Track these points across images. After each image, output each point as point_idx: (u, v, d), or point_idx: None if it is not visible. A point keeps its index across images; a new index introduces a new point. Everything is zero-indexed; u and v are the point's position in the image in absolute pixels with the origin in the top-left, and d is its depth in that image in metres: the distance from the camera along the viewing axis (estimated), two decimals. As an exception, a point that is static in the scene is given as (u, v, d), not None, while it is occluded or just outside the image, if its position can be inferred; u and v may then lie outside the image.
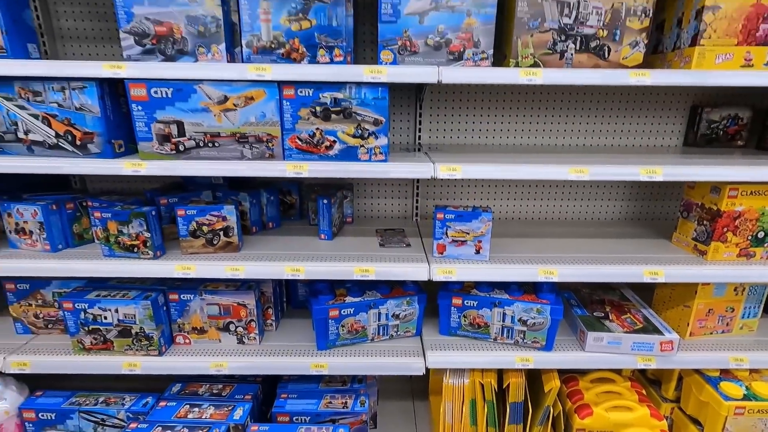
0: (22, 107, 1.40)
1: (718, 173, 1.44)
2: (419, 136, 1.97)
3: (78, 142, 1.41)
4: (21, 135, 1.43)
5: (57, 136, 1.41)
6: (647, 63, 1.64)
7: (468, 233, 1.56)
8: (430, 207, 2.09)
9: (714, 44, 1.41)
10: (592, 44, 1.50)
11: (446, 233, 1.58)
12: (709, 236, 1.59)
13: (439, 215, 1.55)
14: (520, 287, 1.66)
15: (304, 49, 1.43)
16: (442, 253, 1.60)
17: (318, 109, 1.39)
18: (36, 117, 1.40)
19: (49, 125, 1.40)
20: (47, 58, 1.83)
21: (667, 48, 1.60)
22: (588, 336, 1.62)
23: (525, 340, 1.64)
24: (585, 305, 1.82)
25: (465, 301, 1.66)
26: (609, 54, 1.51)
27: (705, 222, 1.60)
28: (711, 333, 1.75)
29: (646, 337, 1.60)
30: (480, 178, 1.46)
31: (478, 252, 1.57)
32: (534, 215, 2.11)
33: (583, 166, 1.43)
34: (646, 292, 1.91)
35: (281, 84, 1.36)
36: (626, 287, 1.97)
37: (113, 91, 1.42)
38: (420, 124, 1.95)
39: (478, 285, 1.70)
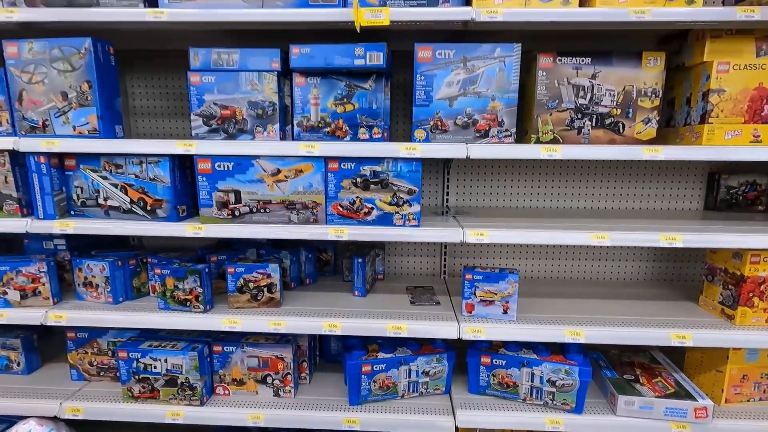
0: (105, 178, 1.62)
1: (737, 240, 1.50)
2: (447, 199, 2.12)
3: (149, 208, 1.61)
4: (101, 201, 1.64)
5: (131, 202, 1.62)
6: (661, 136, 1.77)
7: (495, 294, 1.65)
8: (457, 265, 2.19)
9: (722, 122, 1.54)
10: (607, 121, 1.64)
11: (474, 293, 1.66)
12: (735, 301, 1.62)
13: (468, 276, 1.65)
14: (548, 347, 1.71)
15: (347, 128, 1.63)
16: (470, 312, 1.68)
17: (358, 180, 1.56)
18: (115, 186, 1.62)
19: (126, 193, 1.62)
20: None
21: (679, 123, 1.73)
22: (619, 399, 1.63)
23: (554, 402, 1.66)
24: (614, 367, 1.83)
25: (494, 360, 1.71)
26: (623, 129, 1.65)
27: (730, 286, 1.64)
28: (748, 400, 1.72)
29: (679, 403, 1.59)
30: (506, 242, 1.56)
31: (505, 312, 1.65)
32: (559, 274, 2.18)
33: (604, 232, 1.53)
34: (676, 355, 1.91)
35: (327, 159, 1.54)
36: (656, 349, 1.97)
37: (182, 163, 1.64)
38: (448, 188, 2.10)
39: (507, 344, 1.75)
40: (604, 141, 1.65)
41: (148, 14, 1.44)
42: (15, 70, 1.55)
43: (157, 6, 1.50)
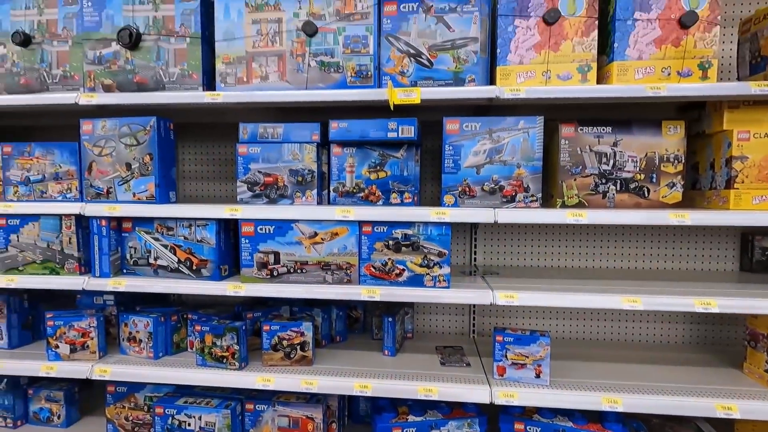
0: (156, 239, 1.76)
1: (777, 306, 1.47)
2: (475, 258, 2.16)
3: (194, 267, 1.73)
4: (151, 260, 1.77)
5: (179, 262, 1.74)
6: (687, 198, 1.80)
7: (527, 357, 1.64)
8: (487, 324, 2.18)
9: (748, 187, 1.56)
10: (632, 185, 1.69)
11: (506, 356, 1.66)
12: (782, 370, 1.55)
13: (498, 338, 1.66)
14: (584, 415, 1.65)
15: (380, 193, 1.73)
16: (502, 375, 1.66)
17: (391, 242, 1.63)
18: (166, 247, 1.75)
19: (174, 253, 1.74)
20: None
21: (705, 186, 1.76)
22: (664, 475, 1.54)
23: (594, 476, 1.58)
24: (657, 438, 1.74)
25: (527, 427, 1.66)
26: (649, 193, 1.69)
27: (775, 354, 1.58)
28: (809, 481, 1.59)
29: (731, 482, 1.49)
30: (536, 305, 1.59)
31: (538, 376, 1.63)
32: (591, 335, 2.13)
33: (635, 296, 1.53)
34: (723, 425, 1.80)
35: (361, 223, 1.64)
36: (701, 419, 1.86)
37: (227, 226, 1.77)
38: (475, 247, 2.15)
39: (540, 410, 1.71)
40: (630, 205, 1.70)
41: (206, 97, 1.63)
42: (88, 144, 1.75)
43: (214, 88, 1.70)
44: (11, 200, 1.81)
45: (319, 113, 1.95)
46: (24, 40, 1.75)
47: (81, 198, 1.80)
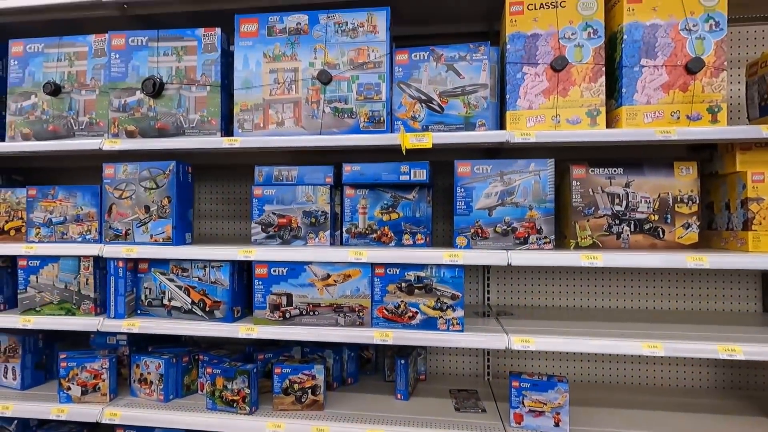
0: (171, 280, 1.78)
1: (806, 353, 1.42)
2: (488, 297, 2.13)
3: (207, 309, 1.73)
4: (165, 301, 1.78)
5: (192, 303, 1.75)
6: (704, 239, 1.77)
7: (545, 404, 1.58)
8: (501, 366, 2.13)
9: (766, 229, 1.54)
10: (646, 226, 1.68)
11: (522, 402, 1.61)
12: (816, 421, 1.47)
13: (515, 383, 1.61)
14: (608, 467, 1.58)
15: (392, 234, 1.75)
16: (519, 423, 1.61)
17: (403, 285, 1.63)
18: (180, 288, 1.77)
19: (189, 294, 1.76)
20: (186, 233, 2.33)
21: (721, 226, 1.74)
22: None
23: None
24: (686, 493, 1.64)
25: (548, 480, 1.59)
26: (664, 234, 1.67)
27: (807, 403, 1.51)
28: None
29: None
30: (553, 350, 1.55)
31: (557, 425, 1.57)
32: (611, 379, 2.06)
33: (656, 341, 1.49)
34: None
35: (374, 265, 1.64)
36: (733, 472, 1.76)
37: (240, 267, 1.78)
38: (488, 286, 2.13)
39: (561, 461, 1.63)
40: (645, 246, 1.68)
41: (224, 142, 1.69)
42: (109, 188, 1.81)
43: (231, 133, 1.76)
44: (33, 242, 1.86)
45: (332, 155, 2.00)
46: (54, 90, 1.84)
47: (100, 239, 1.84)
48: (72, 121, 1.87)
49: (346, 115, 1.68)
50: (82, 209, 1.86)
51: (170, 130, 1.79)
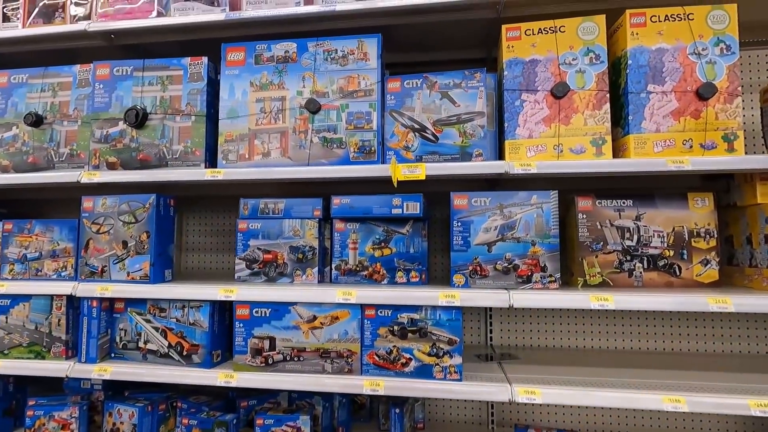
0: (148, 321, 1.66)
1: None
2: (491, 336, 1.98)
3: (185, 353, 1.60)
4: (141, 344, 1.66)
5: (169, 346, 1.62)
6: (724, 275, 1.63)
7: (555, 464, 1.41)
8: (506, 414, 1.95)
9: (795, 267, 1.40)
10: (660, 263, 1.54)
11: (530, 461, 1.44)
12: None
13: (521, 440, 1.45)
14: None
15: (385, 272, 1.62)
16: (527, 486, 1.43)
17: (396, 328, 1.49)
18: (157, 329, 1.64)
19: (165, 337, 1.63)
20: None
21: (743, 262, 1.60)
22: None
23: None
24: None
25: None
26: (680, 272, 1.53)
27: None
28: None
29: None
30: (563, 403, 1.39)
31: (569, 489, 1.39)
32: (629, 429, 1.87)
33: (678, 393, 1.33)
34: None
35: (364, 306, 1.51)
36: None
37: (222, 307, 1.66)
38: (491, 325, 1.98)
39: None
40: (660, 284, 1.54)
41: (207, 174, 1.60)
42: (87, 222, 1.72)
43: (216, 165, 1.68)
44: (5, 279, 1.76)
45: (322, 186, 1.91)
46: (35, 121, 1.78)
47: (75, 276, 1.73)
48: (52, 152, 1.80)
49: (335, 145, 1.59)
50: (58, 244, 1.76)
51: (152, 161, 1.71)
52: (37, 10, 1.93)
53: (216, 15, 1.67)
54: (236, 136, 1.65)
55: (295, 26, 1.71)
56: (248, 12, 1.64)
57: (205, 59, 1.71)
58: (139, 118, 1.68)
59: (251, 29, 1.74)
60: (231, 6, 1.75)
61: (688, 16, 1.43)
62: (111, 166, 1.73)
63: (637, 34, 1.45)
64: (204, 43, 1.81)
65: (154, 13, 1.74)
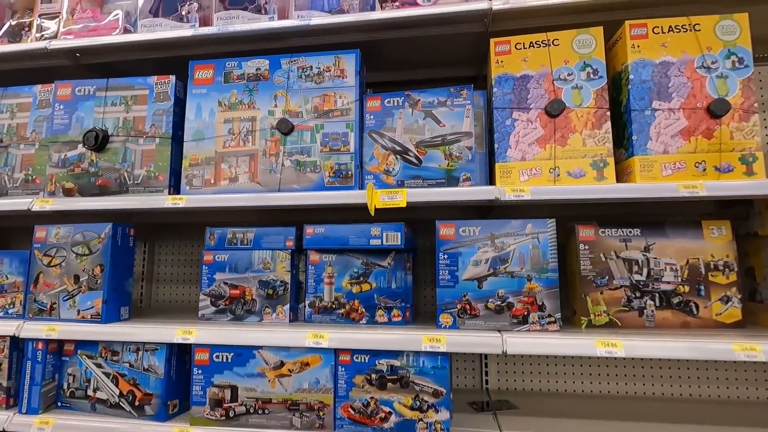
0: (99, 365, 1.48)
1: None
2: (486, 380, 1.78)
3: (137, 403, 1.42)
4: (90, 392, 1.47)
5: (120, 395, 1.44)
6: (747, 312, 1.44)
7: None
8: (505, 468, 1.73)
9: (832, 307, 1.21)
10: (675, 300, 1.36)
11: None
12: None
13: None
14: None
15: (364, 310, 1.45)
16: None
17: (374, 376, 1.31)
18: (108, 375, 1.46)
19: (117, 384, 1.45)
20: (141, 303, 2.05)
21: (767, 298, 1.41)
22: None
23: None
24: None
25: None
26: (698, 310, 1.35)
27: None
28: None
29: None
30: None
31: None
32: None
33: (703, 458, 1.13)
34: None
35: (337, 350, 1.33)
36: None
37: (181, 349, 1.48)
38: (487, 366, 1.78)
39: None
40: (676, 324, 1.35)
41: (167, 201, 1.45)
42: (38, 253, 1.56)
43: (176, 193, 1.53)
44: (-53, 316, 1.59)
45: (297, 213, 1.75)
46: (-10, 145, 1.66)
47: (23, 314, 1.56)
48: (6, 177, 1.66)
49: (308, 169, 1.45)
50: (7, 278, 1.60)
51: (112, 187, 1.56)
52: (5, 28, 1.84)
53: (184, 31, 1.55)
54: (202, 160, 1.51)
55: (269, 43, 1.59)
56: (217, 27, 1.53)
57: (172, 78, 1.59)
58: (98, 141, 1.55)
59: (223, 46, 1.63)
60: (203, 23, 1.64)
61: (694, 26, 1.30)
62: (68, 193, 1.59)
63: (638, 46, 1.32)
64: (175, 61, 1.69)
65: (119, 30, 1.64)
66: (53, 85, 1.67)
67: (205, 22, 1.64)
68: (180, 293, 2.07)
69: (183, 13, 1.64)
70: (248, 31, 1.50)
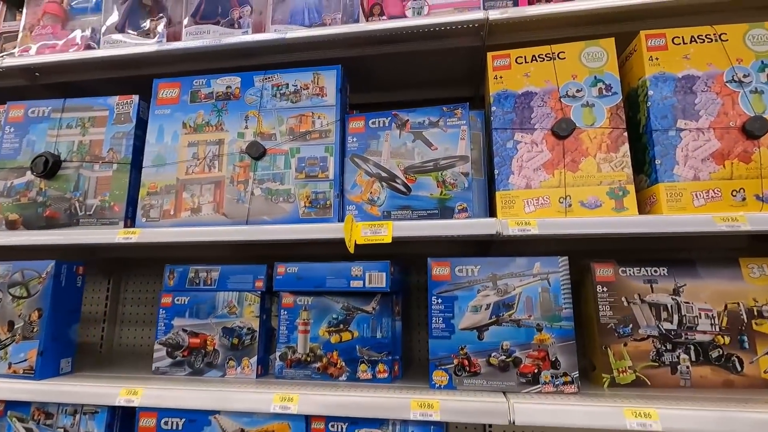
0: (29, 430, 1.25)
1: None
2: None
3: (68, 480, 1.18)
4: (16, 464, 1.24)
5: (50, 469, 1.20)
6: (799, 368, 1.21)
7: None
8: None
9: None
10: (714, 354, 1.14)
11: None
12: None
13: None
14: None
15: (344, 364, 1.23)
16: None
17: (352, 450, 1.07)
18: (38, 443, 1.23)
19: (48, 455, 1.21)
20: (101, 348, 1.83)
21: (823, 351, 1.19)
22: None
23: None
24: None
25: None
26: (742, 366, 1.13)
27: None
28: None
29: None
30: None
31: None
32: None
33: None
34: None
35: (309, 417, 1.10)
36: None
37: (126, 413, 1.25)
38: (490, 428, 1.53)
39: None
40: (717, 384, 1.13)
41: (118, 236, 1.26)
42: (-27, 295, 1.36)
43: (133, 225, 1.34)
44: None
45: (270, 248, 1.55)
46: (-70, 171, 1.48)
47: (-50, 367, 1.34)
48: (-55, 208, 1.48)
49: (281, 199, 1.26)
50: (-64, 324, 1.39)
51: (60, 218, 1.38)
52: (-34, 48, 1.70)
53: (148, 47, 1.41)
54: (161, 188, 1.33)
55: (244, 60, 1.45)
56: (184, 43, 1.38)
57: (135, 98, 1.43)
58: (48, 167, 1.38)
59: (193, 64, 1.48)
60: (173, 39, 1.50)
61: (720, 36, 1.14)
62: (11, 225, 1.40)
63: (656, 59, 1.15)
64: (142, 81, 1.53)
65: (80, 47, 1.49)
66: (6, 106, 1.51)
67: (175, 37, 1.50)
68: (146, 336, 1.84)
69: (150, 28, 1.49)
70: (217, 45, 1.35)
